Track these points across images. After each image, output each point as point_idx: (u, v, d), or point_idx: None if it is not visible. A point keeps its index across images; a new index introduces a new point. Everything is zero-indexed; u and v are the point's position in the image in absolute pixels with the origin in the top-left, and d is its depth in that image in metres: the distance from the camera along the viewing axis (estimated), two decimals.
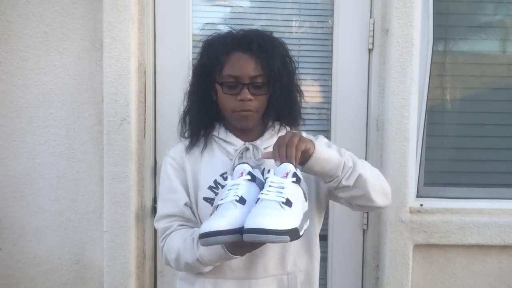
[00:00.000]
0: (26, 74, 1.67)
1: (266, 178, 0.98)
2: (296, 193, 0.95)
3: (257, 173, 1.05)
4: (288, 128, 1.24)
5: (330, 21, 1.80)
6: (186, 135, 1.24)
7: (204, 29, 1.80)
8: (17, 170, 1.70)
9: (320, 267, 1.25)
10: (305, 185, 1.01)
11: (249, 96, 1.10)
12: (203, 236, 0.89)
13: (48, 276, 1.74)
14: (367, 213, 1.81)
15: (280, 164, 0.98)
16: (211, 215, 0.97)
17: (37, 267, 1.73)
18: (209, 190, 1.13)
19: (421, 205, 1.78)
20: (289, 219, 0.88)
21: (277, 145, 1.01)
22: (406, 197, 1.70)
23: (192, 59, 1.74)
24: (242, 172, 1.01)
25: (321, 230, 1.27)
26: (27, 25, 1.66)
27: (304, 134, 1.23)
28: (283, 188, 0.93)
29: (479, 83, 1.86)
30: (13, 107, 1.68)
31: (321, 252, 1.26)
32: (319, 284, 1.90)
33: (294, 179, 0.95)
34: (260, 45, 1.12)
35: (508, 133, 1.86)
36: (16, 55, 1.67)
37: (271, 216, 0.86)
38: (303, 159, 1.01)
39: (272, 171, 0.99)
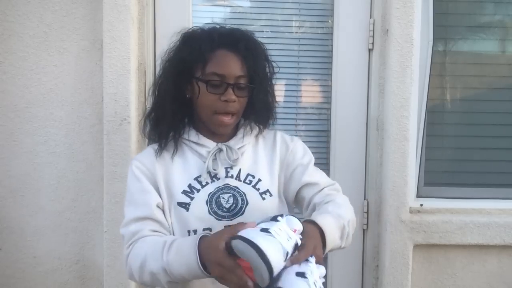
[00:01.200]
0: (26, 74, 1.67)
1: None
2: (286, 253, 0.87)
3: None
4: (258, 127, 1.18)
5: (330, 21, 1.80)
6: (152, 136, 1.16)
7: None
8: (17, 170, 1.70)
9: None
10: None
11: (234, 97, 1.06)
12: (246, 240, 0.80)
13: (48, 276, 1.74)
14: (367, 213, 1.81)
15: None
16: (258, 224, 0.89)
17: (37, 267, 1.73)
18: (183, 195, 1.06)
19: (421, 205, 1.78)
20: (281, 260, 0.81)
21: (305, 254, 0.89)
22: (406, 197, 1.70)
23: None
24: (296, 230, 0.90)
25: None
26: (27, 25, 1.66)
27: (279, 134, 1.21)
28: (287, 240, 0.85)
29: (479, 83, 1.86)
30: (13, 107, 1.68)
31: None
32: None
33: (297, 243, 0.88)
34: (247, 46, 1.08)
35: (508, 133, 1.86)
36: (16, 55, 1.67)
37: (273, 248, 0.80)
38: None
39: (285, 218, 0.90)
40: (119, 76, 1.62)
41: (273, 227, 0.85)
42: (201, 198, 1.06)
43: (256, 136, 1.19)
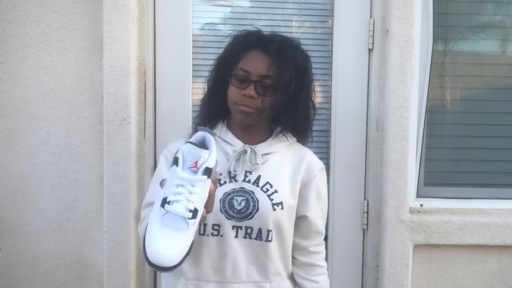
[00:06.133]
0: (26, 74, 1.67)
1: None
2: (203, 193, 0.84)
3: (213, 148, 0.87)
4: (295, 139, 1.23)
5: (330, 21, 1.80)
6: (193, 124, 1.26)
7: (204, 29, 1.80)
8: (17, 170, 1.70)
9: None
10: (215, 171, 0.88)
11: (253, 93, 1.09)
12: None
13: (48, 276, 1.74)
14: (367, 213, 1.81)
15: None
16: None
17: (37, 267, 1.73)
18: None
19: (421, 205, 1.78)
20: (187, 243, 0.82)
21: None
22: (406, 197, 1.70)
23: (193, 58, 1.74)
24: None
25: None
26: (27, 25, 1.66)
27: (309, 154, 1.22)
28: (191, 192, 0.82)
29: (479, 83, 1.86)
30: (13, 107, 1.68)
31: None
32: None
33: (205, 177, 0.83)
34: (279, 49, 1.12)
35: (508, 133, 1.86)
36: (16, 55, 1.67)
37: (171, 242, 0.79)
38: None
39: (180, 162, 0.83)
40: (119, 76, 1.62)
41: (171, 188, 0.81)
42: (216, 195, 1.07)
43: (287, 147, 1.21)
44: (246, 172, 1.14)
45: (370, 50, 1.78)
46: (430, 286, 1.79)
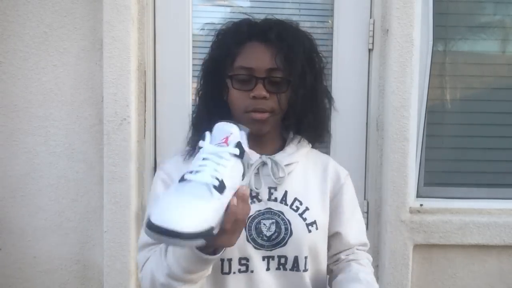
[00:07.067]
0: (26, 74, 1.67)
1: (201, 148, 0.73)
2: (234, 172, 0.72)
3: (245, 143, 0.76)
4: (310, 145, 1.04)
5: (330, 21, 1.80)
6: (191, 143, 0.99)
7: (204, 29, 1.80)
8: (17, 170, 1.70)
9: None
10: (248, 158, 0.76)
11: (264, 93, 0.89)
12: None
13: (48, 276, 1.74)
14: (367, 213, 1.81)
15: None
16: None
17: (37, 267, 1.73)
18: None
19: (421, 205, 1.78)
20: (208, 213, 0.66)
21: None
22: (406, 197, 1.70)
23: (194, 58, 1.74)
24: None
25: None
26: (27, 25, 1.66)
27: (332, 162, 1.06)
28: (219, 164, 0.70)
29: (479, 83, 1.86)
30: (13, 107, 1.68)
31: None
32: None
33: (237, 151, 0.72)
34: (281, 35, 0.93)
35: (508, 133, 1.86)
36: (16, 55, 1.67)
37: (187, 209, 0.64)
38: None
39: (207, 137, 0.74)
40: (119, 76, 1.62)
41: (196, 163, 0.71)
42: None
43: (307, 154, 1.02)
44: (269, 188, 0.94)
45: (370, 50, 1.78)
46: (430, 286, 1.79)
